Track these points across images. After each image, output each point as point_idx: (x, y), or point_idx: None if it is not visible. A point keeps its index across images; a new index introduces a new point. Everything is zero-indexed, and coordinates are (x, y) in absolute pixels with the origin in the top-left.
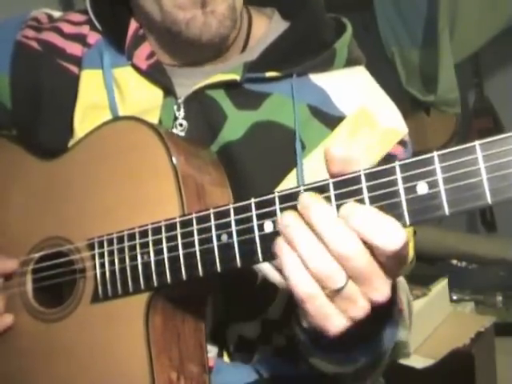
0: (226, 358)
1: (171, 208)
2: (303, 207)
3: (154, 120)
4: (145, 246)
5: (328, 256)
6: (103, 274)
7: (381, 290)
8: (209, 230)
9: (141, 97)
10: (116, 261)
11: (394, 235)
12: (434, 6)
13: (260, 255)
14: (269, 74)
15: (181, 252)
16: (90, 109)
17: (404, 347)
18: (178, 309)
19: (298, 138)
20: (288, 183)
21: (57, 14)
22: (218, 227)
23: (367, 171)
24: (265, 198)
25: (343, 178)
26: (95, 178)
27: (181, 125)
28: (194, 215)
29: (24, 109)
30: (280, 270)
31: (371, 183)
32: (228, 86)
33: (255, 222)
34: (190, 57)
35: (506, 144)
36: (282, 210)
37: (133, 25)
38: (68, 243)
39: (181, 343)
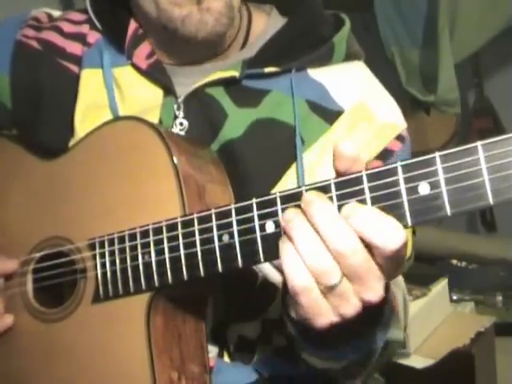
0: (226, 358)
1: (172, 208)
2: (305, 204)
3: (154, 119)
4: (146, 246)
5: (325, 252)
6: (104, 274)
7: (374, 290)
8: (210, 230)
9: (141, 96)
10: (117, 261)
11: (393, 235)
12: (434, 6)
13: (261, 255)
14: (268, 70)
15: (182, 252)
16: (90, 108)
17: (400, 347)
18: (179, 309)
19: (298, 132)
20: (288, 178)
21: (56, 13)
22: (219, 227)
23: (369, 172)
24: (266, 198)
25: (345, 178)
26: (96, 177)
27: (181, 124)
28: (195, 215)
29: (24, 108)
30: (281, 271)
31: (373, 184)
32: (227, 84)
33: (257, 223)
34: (190, 56)
35: (508, 145)
36: (283, 210)
37: (132, 24)
38: (69, 243)
39: (182, 343)
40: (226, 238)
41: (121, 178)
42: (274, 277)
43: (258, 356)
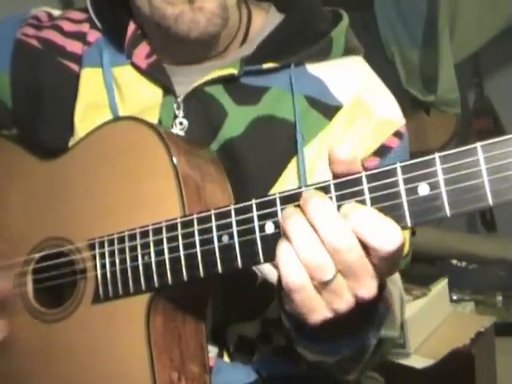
0: (226, 358)
1: (172, 208)
2: (303, 201)
3: (154, 119)
4: (146, 246)
5: (320, 247)
6: (104, 274)
7: (368, 287)
8: (210, 230)
9: (140, 96)
10: (117, 261)
11: (390, 237)
12: (434, 5)
13: (261, 256)
14: (266, 66)
15: (182, 253)
16: (90, 107)
17: (397, 346)
18: (178, 309)
19: (299, 128)
20: (288, 174)
21: (56, 12)
22: (219, 228)
23: (369, 172)
24: (266, 198)
25: (345, 179)
26: (95, 178)
27: (181, 123)
28: (195, 216)
29: (24, 107)
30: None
31: (372, 184)
32: (226, 82)
33: (256, 223)
34: (188, 55)
35: (508, 146)
36: (283, 210)
37: (132, 24)
38: (69, 243)
39: (182, 344)
40: (225, 238)
41: (120, 178)
42: (274, 276)
43: (258, 356)
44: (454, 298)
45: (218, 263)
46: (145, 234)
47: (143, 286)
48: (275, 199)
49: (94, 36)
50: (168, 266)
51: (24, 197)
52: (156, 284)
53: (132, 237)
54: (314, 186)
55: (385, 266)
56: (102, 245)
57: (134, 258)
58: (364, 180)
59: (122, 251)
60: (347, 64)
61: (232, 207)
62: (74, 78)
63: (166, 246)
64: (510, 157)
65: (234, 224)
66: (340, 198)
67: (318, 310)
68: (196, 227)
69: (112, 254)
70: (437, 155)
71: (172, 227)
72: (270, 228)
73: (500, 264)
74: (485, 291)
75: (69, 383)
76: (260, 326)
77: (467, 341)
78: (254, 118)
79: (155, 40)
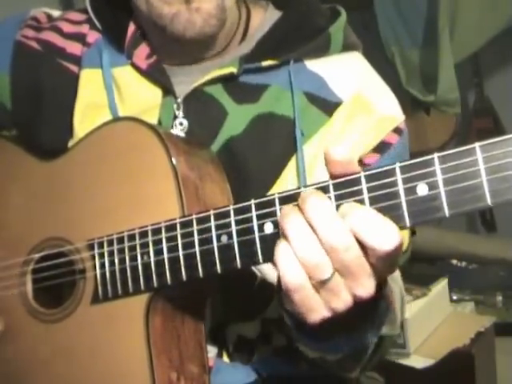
0: (225, 358)
1: (171, 208)
2: (301, 199)
3: (154, 119)
4: (145, 246)
5: (318, 246)
6: (103, 274)
7: (366, 287)
8: (209, 230)
9: (140, 96)
10: (116, 261)
11: (388, 238)
12: (434, 6)
13: (260, 256)
14: (265, 63)
15: (181, 253)
16: (89, 108)
17: (395, 346)
18: (177, 309)
19: (298, 124)
20: (288, 172)
21: (56, 13)
22: (218, 228)
23: (367, 172)
24: (265, 198)
25: (343, 179)
26: (95, 178)
27: (181, 124)
28: (194, 216)
29: (24, 108)
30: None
31: (371, 184)
32: (226, 81)
33: (255, 223)
34: (187, 55)
35: (506, 146)
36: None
37: (132, 25)
38: (68, 244)
39: (181, 344)
40: (224, 238)
41: (120, 178)
42: (273, 276)
43: (258, 356)
44: (454, 298)
45: (217, 263)
46: (144, 234)
47: (142, 286)
48: (274, 199)
49: (93, 37)
50: (167, 266)
51: (24, 197)
52: (155, 284)
53: (131, 237)
54: (313, 187)
55: (383, 265)
56: (101, 245)
57: (133, 258)
58: (363, 180)
59: (121, 251)
60: (346, 60)
61: (231, 207)
62: (74, 79)
63: (165, 245)
64: (508, 157)
65: (233, 224)
66: (339, 198)
67: (316, 310)
68: (195, 227)
69: (111, 253)
70: (435, 155)
71: (171, 227)
72: (269, 228)
73: (500, 264)
74: (485, 291)
75: (68, 383)
76: (260, 326)
77: (467, 341)
78: (254, 116)
79: (154, 40)
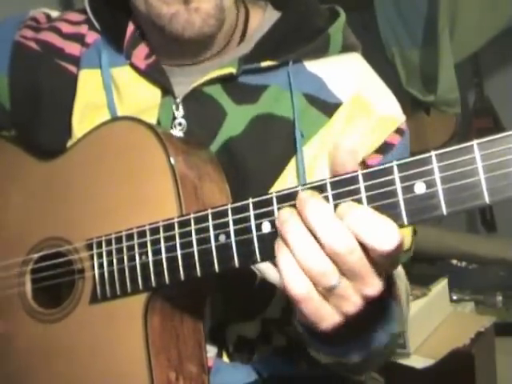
0: (225, 358)
1: (169, 208)
2: (299, 203)
3: (153, 119)
4: (143, 246)
5: (321, 253)
6: (102, 274)
7: (373, 285)
8: (207, 230)
9: (139, 96)
10: (114, 261)
11: (388, 237)
12: (434, 6)
13: (258, 255)
14: (264, 64)
15: (179, 252)
16: (88, 109)
17: (400, 346)
18: (176, 309)
19: (298, 126)
20: (288, 173)
21: (55, 13)
22: (215, 227)
23: (365, 171)
24: (262, 197)
25: (341, 177)
26: (93, 178)
27: (180, 124)
28: (191, 215)
29: (23, 109)
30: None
31: (369, 183)
32: (225, 81)
33: (253, 222)
34: (186, 55)
35: (504, 143)
36: (279, 209)
37: (131, 25)
38: (67, 243)
39: (180, 343)
40: (222, 237)
41: (118, 178)
42: (272, 275)
43: (258, 356)
44: (454, 298)
45: (215, 262)
46: (142, 234)
47: (141, 286)
48: (272, 198)
49: (92, 37)
50: (165, 266)
51: (23, 197)
52: (153, 283)
53: (129, 236)
54: (311, 185)
55: (385, 263)
56: (99, 245)
57: (132, 258)
58: (360, 178)
59: (119, 251)
60: (345, 61)
61: (229, 206)
62: (72, 79)
63: (163, 245)
64: (506, 154)
65: (230, 223)
66: (336, 197)
67: (327, 317)
68: (193, 226)
69: (109, 253)
70: (433, 153)
71: (169, 227)
72: (266, 227)
73: (500, 264)
74: (485, 291)
75: (67, 383)
76: (260, 326)
77: (467, 341)
78: (253, 117)
79: (153, 40)
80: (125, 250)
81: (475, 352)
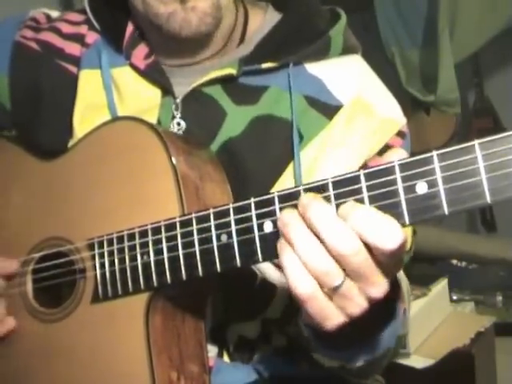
0: (225, 358)
1: (171, 208)
2: (302, 206)
3: (153, 119)
4: (144, 245)
5: (325, 254)
6: (103, 274)
7: (378, 286)
8: (208, 229)
9: (139, 96)
10: (116, 261)
11: (392, 235)
12: (434, 6)
13: (260, 255)
14: (265, 66)
15: (180, 252)
16: (88, 109)
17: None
18: (178, 309)
19: (296, 129)
20: (287, 175)
21: (55, 13)
22: (217, 227)
23: (366, 171)
24: (264, 197)
25: (342, 177)
26: (95, 178)
27: (179, 124)
28: (193, 215)
29: (23, 109)
30: (281, 269)
31: (370, 183)
32: (225, 82)
33: (255, 222)
34: (185, 54)
35: (505, 143)
36: (281, 209)
37: (130, 25)
38: (68, 243)
39: (181, 343)
40: (224, 237)
41: (119, 178)
42: (273, 275)
43: (258, 356)
44: (454, 298)
45: (217, 262)
46: (144, 234)
47: (142, 286)
48: (273, 198)
49: (92, 38)
50: (167, 265)
51: (24, 197)
52: (155, 283)
53: (131, 236)
54: (312, 185)
55: (389, 262)
56: (101, 244)
57: (133, 258)
58: (362, 178)
59: (121, 251)
60: (346, 63)
61: (230, 206)
62: (73, 79)
63: (164, 245)
64: (508, 154)
65: (232, 223)
66: (338, 197)
67: (331, 317)
68: (195, 226)
69: (111, 253)
70: (434, 153)
71: (171, 226)
72: (268, 227)
73: (500, 264)
74: (485, 291)
75: (68, 383)
76: (260, 326)
77: (467, 341)
78: (253, 118)
79: (152, 40)
80: (126, 249)
81: (475, 352)
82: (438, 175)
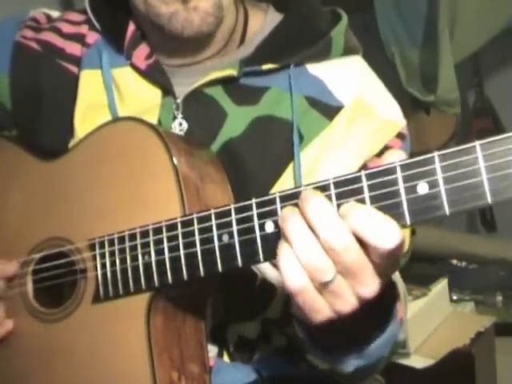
0: (225, 358)
1: (172, 208)
2: (301, 201)
3: (153, 120)
4: (146, 246)
5: (319, 249)
6: (104, 274)
7: (369, 286)
8: (210, 229)
9: (140, 97)
10: (117, 261)
11: (389, 235)
12: (434, 6)
13: (261, 255)
14: (266, 67)
15: (182, 252)
16: (89, 109)
17: (400, 347)
18: (178, 309)
19: (296, 129)
20: (287, 175)
21: (55, 13)
22: (219, 227)
23: (368, 171)
24: (266, 197)
25: (344, 177)
26: (95, 178)
27: (180, 124)
28: (195, 215)
29: (24, 109)
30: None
31: (372, 183)
32: (226, 83)
33: (256, 222)
34: (187, 55)
35: (506, 144)
36: (282, 209)
37: (132, 25)
38: (69, 244)
39: (182, 343)
40: (225, 237)
41: (120, 178)
42: (272, 276)
43: (258, 356)
44: (454, 298)
45: (218, 262)
46: (145, 234)
47: (143, 286)
48: (275, 198)
49: (92, 38)
50: (168, 266)
51: (24, 197)
52: (156, 283)
53: (132, 236)
54: (314, 185)
55: (385, 264)
56: (102, 245)
57: (135, 258)
58: (363, 178)
59: (122, 251)
60: (347, 64)
61: (232, 206)
62: (74, 79)
63: (166, 245)
64: (508, 155)
65: (234, 223)
66: (339, 196)
67: (320, 311)
68: (196, 226)
69: (112, 253)
70: (436, 154)
71: (172, 226)
72: (270, 227)
73: (500, 264)
74: (485, 291)
75: (69, 383)
76: (260, 326)
77: (467, 341)
78: (253, 118)
79: (153, 40)
80: (127, 250)
81: (475, 352)
82: (439, 176)
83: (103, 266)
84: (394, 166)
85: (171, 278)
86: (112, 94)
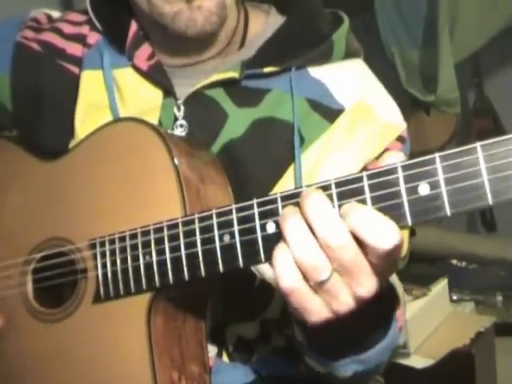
0: (225, 358)
1: (173, 209)
2: (301, 198)
3: (154, 120)
4: (147, 245)
5: (316, 247)
6: (105, 274)
7: (366, 286)
8: (211, 230)
9: (141, 97)
10: (118, 261)
11: (388, 236)
12: (434, 6)
13: (262, 255)
14: (267, 70)
15: (183, 252)
16: (90, 109)
17: (400, 347)
18: (179, 309)
19: (297, 131)
20: (287, 177)
21: (56, 14)
22: (220, 227)
23: (369, 172)
24: (267, 198)
25: (345, 178)
26: (96, 179)
27: (181, 125)
28: (196, 215)
29: (25, 110)
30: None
31: (373, 184)
32: (227, 85)
33: (257, 223)
34: (189, 54)
35: (507, 145)
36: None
37: (133, 25)
38: (69, 244)
39: (182, 343)
40: (226, 238)
41: (121, 179)
42: (271, 275)
43: (257, 356)
44: (454, 298)
45: (220, 262)
46: (146, 234)
47: (144, 286)
48: (276, 198)
49: (94, 38)
50: (169, 266)
51: (24, 197)
52: (157, 283)
53: (133, 236)
54: (315, 185)
55: (383, 264)
56: (102, 244)
57: (135, 258)
58: (365, 179)
59: (123, 251)
60: (348, 67)
61: (233, 207)
62: (74, 80)
63: (167, 245)
64: (509, 156)
65: (235, 223)
66: (340, 197)
67: (314, 312)
68: (197, 226)
69: (113, 253)
70: (437, 155)
71: (173, 227)
72: (271, 227)
73: (500, 264)
74: (485, 291)
75: (68, 383)
76: (259, 327)
77: (467, 341)
78: (254, 120)
79: (155, 40)
80: (128, 249)
81: (475, 352)
82: (441, 177)
83: (104, 265)
84: (395, 167)
85: (172, 278)
86: (113, 95)
